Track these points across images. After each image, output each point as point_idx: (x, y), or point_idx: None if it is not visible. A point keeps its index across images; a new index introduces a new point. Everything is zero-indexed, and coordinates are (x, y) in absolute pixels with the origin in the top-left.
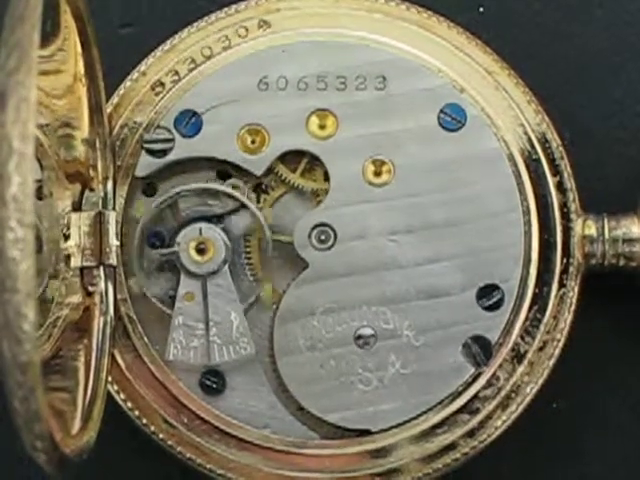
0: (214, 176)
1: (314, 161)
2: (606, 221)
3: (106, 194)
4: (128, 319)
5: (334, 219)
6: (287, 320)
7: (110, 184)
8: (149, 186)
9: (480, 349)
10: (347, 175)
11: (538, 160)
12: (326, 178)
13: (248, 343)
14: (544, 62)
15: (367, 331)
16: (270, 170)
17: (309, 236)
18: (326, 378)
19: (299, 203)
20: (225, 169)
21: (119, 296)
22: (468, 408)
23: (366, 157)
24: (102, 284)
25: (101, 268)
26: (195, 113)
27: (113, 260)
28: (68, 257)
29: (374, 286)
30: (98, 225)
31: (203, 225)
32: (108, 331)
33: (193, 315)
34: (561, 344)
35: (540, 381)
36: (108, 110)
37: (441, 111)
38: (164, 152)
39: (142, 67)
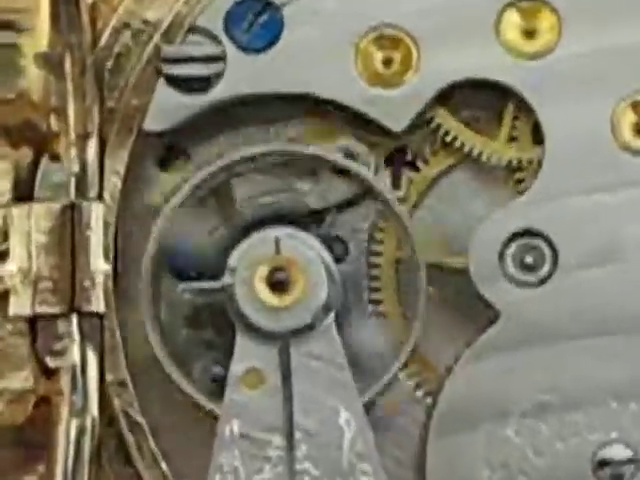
0: (307, 134)
1: (511, 104)
2: None
3: (83, 167)
4: (128, 424)
5: (552, 222)
6: (455, 426)
7: (92, 147)
8: (172, 152)
9: None
10: (579, 132)
11: None
12: (536, 139)
13: (374, 474)
14: None
15: (620, 452)
16: (421, 122)
17: (501, 256)
18: None
19: (479, 188)
20: (329, 120)
21: (110, 377)
22: None
23: (620, 95)
24: (75, 352)
25: (73, 318)
26: (268, 4)
27: (98, 303)
28: (4, 295)
29: (633, 360)
30: (68, 229)
31: (283, 233)
32: (87, 447)
33: (261, 417)
34: None
35: None
36: None
37: None
38: (205, 83)
39: None
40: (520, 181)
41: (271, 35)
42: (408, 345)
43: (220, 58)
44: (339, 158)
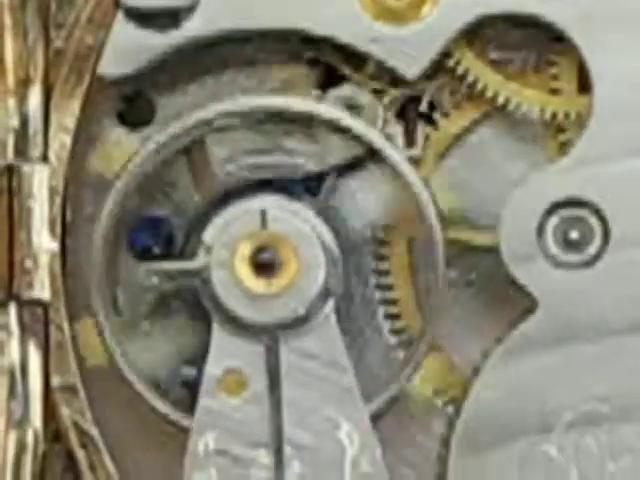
0: (298, 81)
1: (552, 43)
2: None
3: (24, 121)
4: (79, 438)
5: (602, 190)
6: (482, 442)
7: (35, 96)
8: (134, 103)
9: None
10: (636, 78)
11: None
12: (583, 86)
13: None
14: None
15: None
16: (440, 66)
17: (540, 231)
18: None
19: (512, 148)
20: (328, 64)
21: (56, 380)
22: None
23: None
24: (14, 349)
25: (11, 307)
26: None
27: (41, 289)
28: None
29: None
30: (4, 198)
31: (271, 203)
32: (28, 467)
33: (243, 429)
34: None
35: None
36: None
37: None
38: (174, 17)
39: None
40: (563, 139)
41: None
42: (424, 340)
43: None
44: (338, 113)
